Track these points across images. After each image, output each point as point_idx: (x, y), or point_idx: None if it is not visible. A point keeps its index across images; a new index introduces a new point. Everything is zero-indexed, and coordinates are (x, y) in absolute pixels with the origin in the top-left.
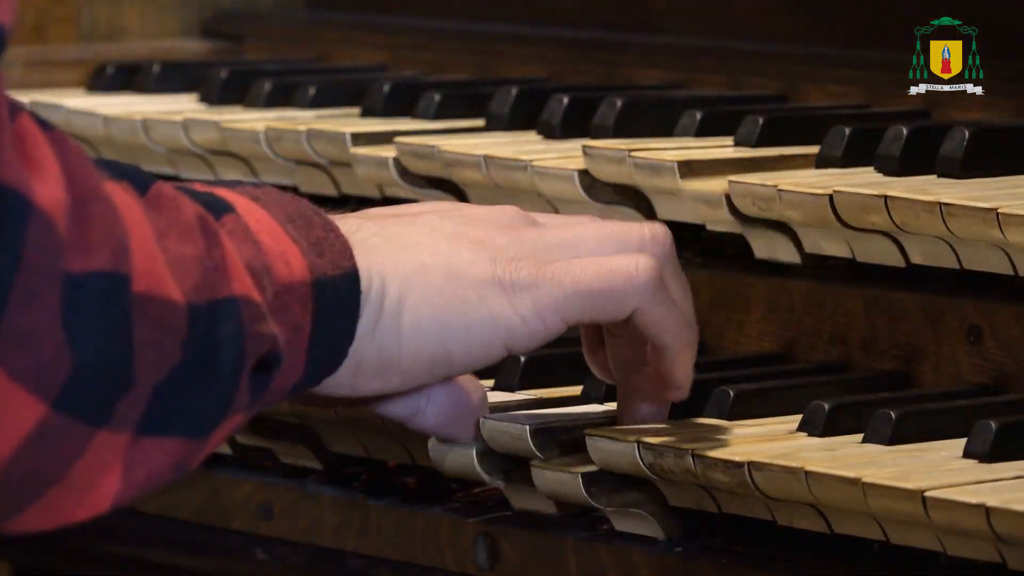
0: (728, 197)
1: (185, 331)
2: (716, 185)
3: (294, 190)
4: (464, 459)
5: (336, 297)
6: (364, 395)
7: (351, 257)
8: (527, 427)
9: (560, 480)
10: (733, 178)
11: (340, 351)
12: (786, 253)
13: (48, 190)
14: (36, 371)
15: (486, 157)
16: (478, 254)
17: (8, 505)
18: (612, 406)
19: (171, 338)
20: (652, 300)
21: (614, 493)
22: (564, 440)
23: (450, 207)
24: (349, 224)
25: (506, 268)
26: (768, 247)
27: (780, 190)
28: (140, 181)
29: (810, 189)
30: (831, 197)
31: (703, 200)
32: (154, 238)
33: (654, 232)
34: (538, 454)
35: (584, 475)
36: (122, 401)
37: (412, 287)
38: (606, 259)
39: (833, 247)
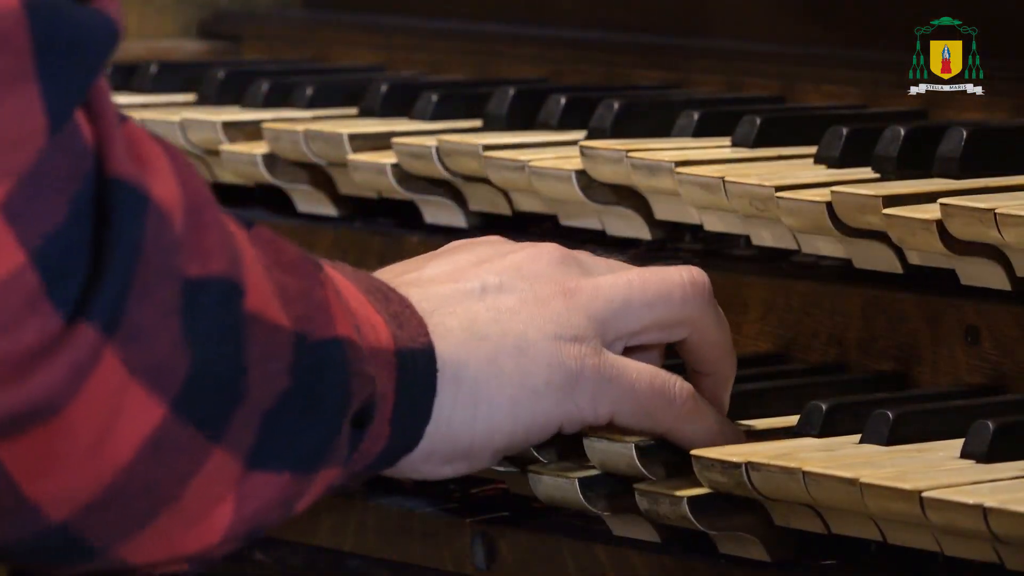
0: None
1: (291, 358)
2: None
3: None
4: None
5: (416, 371)
6: (427, 479)
7: (427, 334)
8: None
9: (558, 486)
10: (731, 178)
11: (418, 429)
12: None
13: (163, 187)
14: (155, 368)
15: (485, 158)
16: (543, 329)
17: (122, 523)
18: None
19: (278, 362)
20: (688, 420)
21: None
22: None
23: (492, 253)
24: (412, 296)
25: (570, 354)
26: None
27: (778, 197)
28: (241, 218)
29: (808, 196)
30: (828, 204)
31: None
32: (262, 263)
33: (693, 279)
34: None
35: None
36: (236, 415)
37: (486, 378)
38: (655, 371)
39: (830, 248)
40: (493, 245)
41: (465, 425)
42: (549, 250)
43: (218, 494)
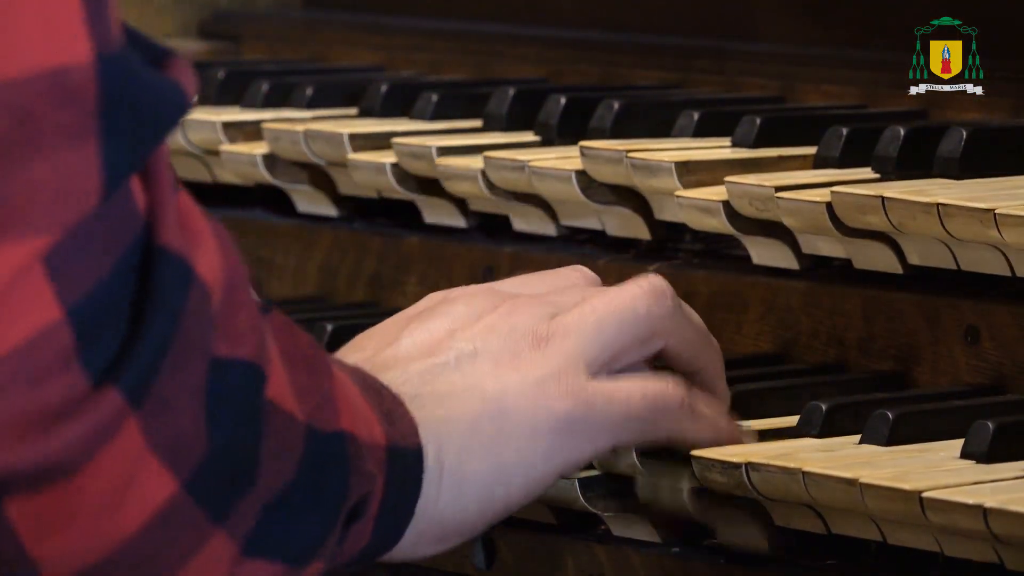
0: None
1: (301, 451)
2: (714, 188)
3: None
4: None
5: (404, 469)
6: (422, 558)
7: (416, 433)
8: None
9: (558, 486)
10: (731, 178)
11: (400, 528)
12: (784, 259)
13: (207, 263)
14: (174, 444)
15: (484, 158)
16: (523, 383)
17: None
18: None
19: (289, 454)
20: (687, 421)
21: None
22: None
23: (466, 316)
24: (392, 379)
25: (555, 395)
26: (766, 251)
27: (779, 197)
28: (258, 302)
29: (808, 196)
30: (829, 204)
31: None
32: (278, 350)
33: (652, 287)
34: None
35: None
36: (243, 501)
37: (468, 455)
38: (644, 383)
39: (830, 248)
40: (469, 302)
41: (453, 507)
42: (522, 302)
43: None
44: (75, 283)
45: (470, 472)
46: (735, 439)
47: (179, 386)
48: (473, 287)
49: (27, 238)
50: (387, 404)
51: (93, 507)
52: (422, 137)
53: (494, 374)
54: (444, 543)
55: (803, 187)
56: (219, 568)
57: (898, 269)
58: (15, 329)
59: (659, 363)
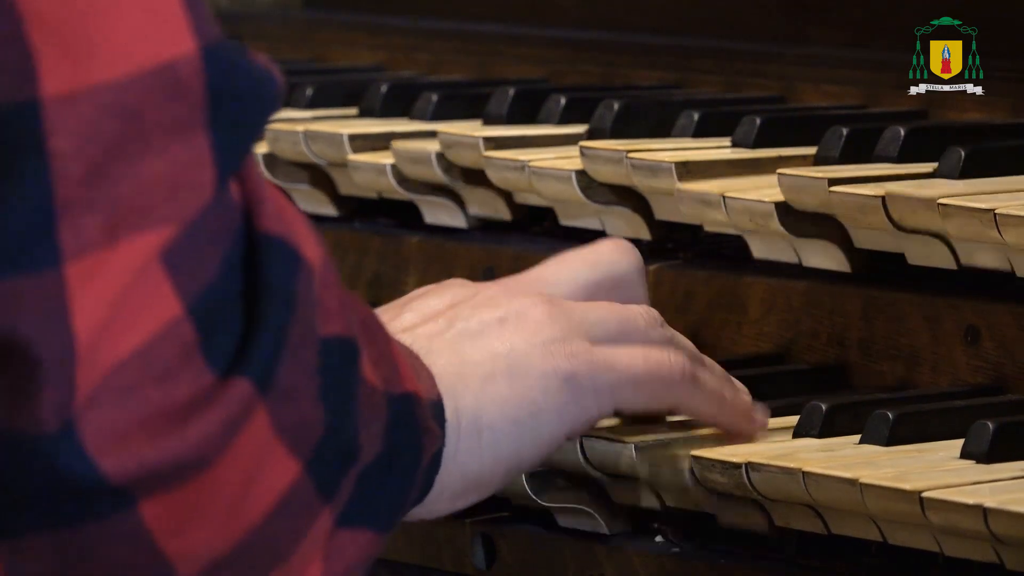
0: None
1: (385, 419)
2: (714, 187)
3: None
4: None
5: (435, 422)
6: (440, 515)
7: (436, 385)
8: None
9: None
10: (730, 194)
11: (431, 479)
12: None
13: (309, 244)
14: (297, 428)
15: (484, 158)
16: (530, 340)
17: None
18: None
19: (378, 424)
20: (690, 390)
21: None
22: None
23: (463, 294)
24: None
25: (561, 354)
26: (766, 249)
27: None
28: None
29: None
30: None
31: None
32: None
33: (649, 312)
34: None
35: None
36: (347, 476)
37: (484, 404)
38: (646, 351)
39: (832, 262)
40: (463, 288)
41: (471, 460)
42: (520, 283)
43: (313, 553)
44: (193, 277)
45: (485, 426)
46: (742, 411)
47: (299, 369)
48: (459, 280)
49: (145, 235)
50: (413, 358)
51: (225, 499)
52: (422, 139)
53: (499, 336)
54: (460, 499)
55: (855, 180)
56: (317, 546)
57: (893, 248)
58: (139, 328)
59: None
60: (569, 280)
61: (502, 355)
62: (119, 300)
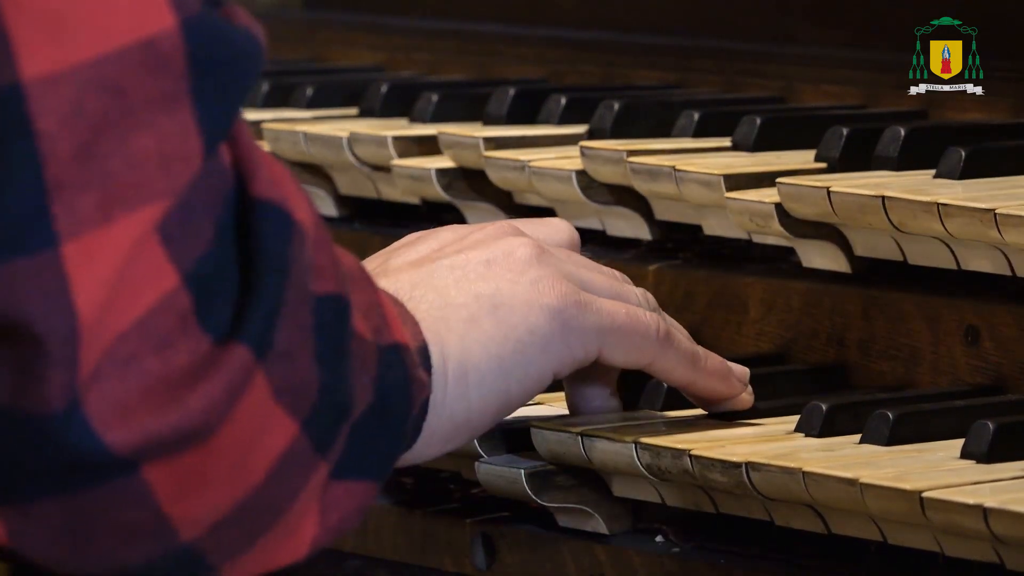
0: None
1: (375, 370)
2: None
3: None
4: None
5: (422, 368)
6: (429, 459)
7: (421, 332)
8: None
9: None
10: (730, 195)
11: (419, 425)
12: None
13: (300, 206)
14: (294, 389)
15: (484, 158)
16: (517, 280)
17: (240, 540)
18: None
19: (368, 375)
20: (664, 346)
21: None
22: None
23: (453, 238)
24: (384, 286)
25: (550, 293)
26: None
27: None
28: None
29: (812, 212)
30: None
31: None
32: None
33: (646, 292)
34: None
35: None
36: (341, 431)
37: (469, 345)
38: (626, 305)
39: (833, 263)
40: (454, 231)
41: (460, 403)
42: (506, 228)
43: (307, 506)
44: (187, 247)
45: (471, 367)
46: (717, 372)
47: (295, 331)
48: (453, 225)
49: (139, 209)
50: (399, 306)
51: (227, 462)
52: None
53: (485, 276)
54: (451, 442)
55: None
56: (313, 499)
57: (899, 257)
58: (138, 300)
59: None
60: (547, 238)
61: (487, 295)
62: (117, 276)
